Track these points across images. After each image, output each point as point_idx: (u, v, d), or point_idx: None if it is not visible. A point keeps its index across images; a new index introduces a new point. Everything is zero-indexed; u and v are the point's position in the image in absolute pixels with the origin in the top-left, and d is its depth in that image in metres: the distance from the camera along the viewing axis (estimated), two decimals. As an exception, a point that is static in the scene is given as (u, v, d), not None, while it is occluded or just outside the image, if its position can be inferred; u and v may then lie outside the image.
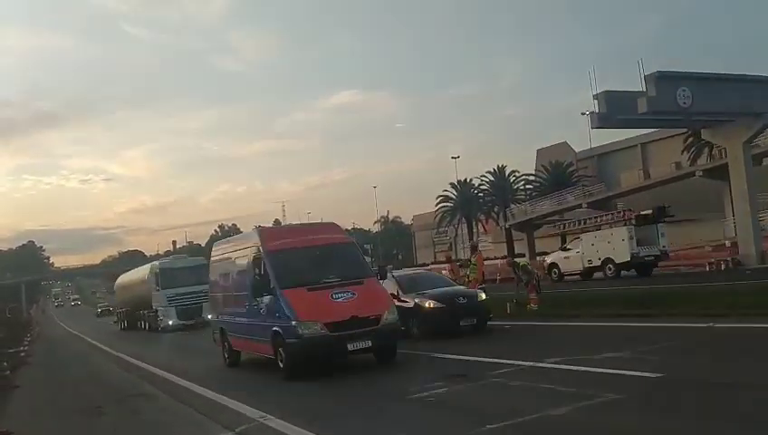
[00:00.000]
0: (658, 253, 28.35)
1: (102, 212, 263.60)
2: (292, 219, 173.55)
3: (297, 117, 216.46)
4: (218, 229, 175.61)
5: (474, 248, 17.56)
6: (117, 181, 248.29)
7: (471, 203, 69.19)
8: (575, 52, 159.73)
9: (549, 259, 33.09)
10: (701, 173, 40.32)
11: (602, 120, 25.41)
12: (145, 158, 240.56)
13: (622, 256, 27.78)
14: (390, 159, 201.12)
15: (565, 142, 72.92)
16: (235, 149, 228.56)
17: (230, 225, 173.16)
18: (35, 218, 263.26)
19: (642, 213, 29.44)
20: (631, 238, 27.57)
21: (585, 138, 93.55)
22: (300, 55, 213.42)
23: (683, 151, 49.59)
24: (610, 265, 28.24)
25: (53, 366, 19.34)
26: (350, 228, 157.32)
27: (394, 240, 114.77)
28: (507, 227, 55.61)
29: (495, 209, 66.33)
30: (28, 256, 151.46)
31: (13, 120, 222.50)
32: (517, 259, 19.59)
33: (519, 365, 8.34)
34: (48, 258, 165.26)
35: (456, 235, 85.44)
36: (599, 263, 28.83)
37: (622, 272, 28.16)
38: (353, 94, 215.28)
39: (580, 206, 47.60)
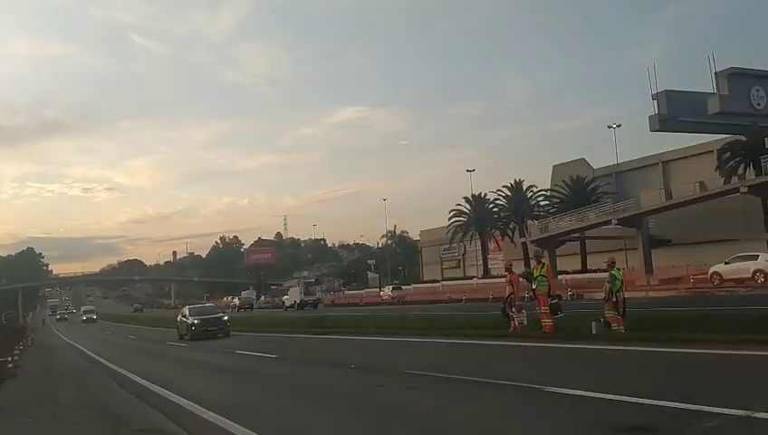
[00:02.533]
0: (316, 299, 60.80)
1: (104, 221, 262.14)
2: (293, 233, 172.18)
3: (302, 132, 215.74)
4: (219, 241, 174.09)
5: (538, 258, 15.01)
6: (120, 191, 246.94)
7: (485, 218, 66.86)
8: (581, 71, 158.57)
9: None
10: (745, 189, 37.77)
11: (663, 123, 23.14)
12: (149, 168, 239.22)
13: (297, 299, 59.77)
14: (394, 175, 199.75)
15: (583, 159, 70.92)
16: (239, 162, 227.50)
17: (231, 236, 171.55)
18: (37, 226, 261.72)
19: (307, 280, 70.23)
20: (301, 292, 59.15)
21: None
22: (306, 71, 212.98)
23: (716, 168, 47.13)
24: (295, 304, 58.81)
25: (44, 381, 16.76)
26: (351, 243, 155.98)
27: (400, 256, 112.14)
28: (530, 242, 53.03)
29: (511, 226, 63.96)
30: (27, 263, 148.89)
31: (18, 127, 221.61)
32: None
33: (721, 413, 5.57)
34: (47, 266, 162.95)
35: (465, 251, 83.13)
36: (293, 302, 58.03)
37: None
38: (358, 111, 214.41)
39: (609, 222, 45.21)
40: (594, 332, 12.72)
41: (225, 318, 29.76)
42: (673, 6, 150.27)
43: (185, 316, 29.93)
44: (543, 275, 14.25)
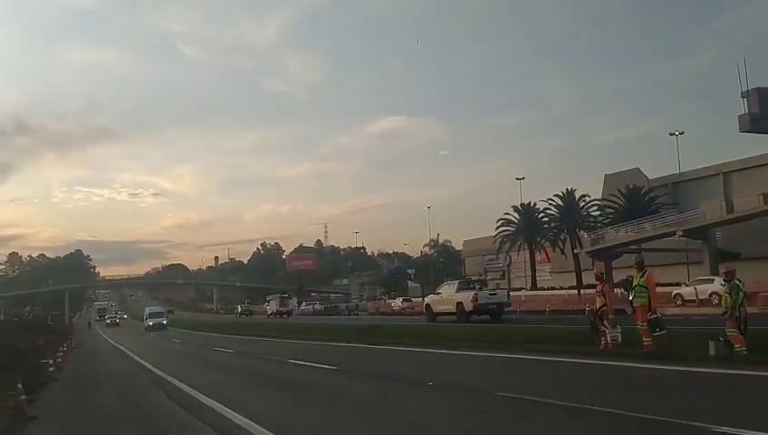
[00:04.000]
0: (290, 310, 72.89)
1: (149, 226, 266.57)
2: (333, 241, 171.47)
3: (342, 141, 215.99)
4: (260, 247, 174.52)
5: (640, 265, 13.17)
6: (165, 196, 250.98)
7: (535, 228, 64.62)
8: (620, 83, 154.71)
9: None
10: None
11: (756, 123, 21.00)
12: (193, 174, 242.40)
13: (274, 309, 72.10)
14: (434, 185, 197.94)
15: (637, 168, 68.07)
16: (280, 169, 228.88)
17: (272, 243, 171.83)
18: (85, 229, 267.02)
19: (282, 295, 77.88)
20: (277, 304, 69.33)
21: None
22: (347, 80, 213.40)
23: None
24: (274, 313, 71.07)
25: (86, 387, 15.69)
26: (390, 252, 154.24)
27: (441, 265, 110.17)
28: (585, 253, 50.82)
29: (562, 236, 61.55)
30: (75, 265, 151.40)
31: (69, 133, 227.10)
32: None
33: None
34: (94, 268, 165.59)
35: (511, 262, 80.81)
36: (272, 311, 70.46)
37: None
38: (398, 120, 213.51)
39: (672, 234, 42.77)
40: (713, 352, 10.92)
41: None
42: (728, 13, 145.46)
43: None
44: (642, 286, 12.47)
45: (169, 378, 15.07)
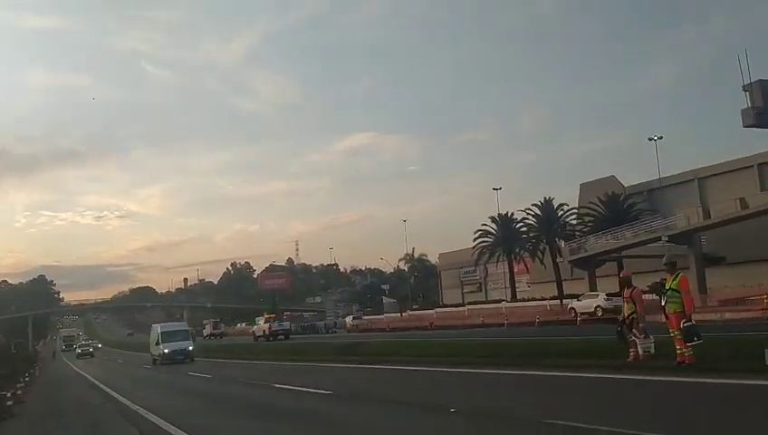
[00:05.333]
0: (221, 332, 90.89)
1: (115, 249, 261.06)
2: (304, 259, 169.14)
3: (312, 158, 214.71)
4: (231, 267, 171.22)
5: (672, 266, 11.82)
6: (131, 218, 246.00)
7: (513, 238, 63.66)
8: (585, 101, 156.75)
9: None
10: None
11: (759, 117, 20.08)
12: (160, 196, 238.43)
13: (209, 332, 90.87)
14: (405, 201, 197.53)
15: (613, 176, 67.83)
16: (249, 188, 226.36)
17: (242, 263, 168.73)
18: (49, 254, 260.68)
19: (214, 320, 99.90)
20: (211, 327, 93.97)
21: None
22: (316, 98, 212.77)
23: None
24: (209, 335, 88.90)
25: (47, 422, 13.90)
26: (363, 268, 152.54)
27: (416, 280, 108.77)
28: (568, 261, 49.95)
29: (541, 247, 60.61)
30: (39, 291, 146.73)
31: (32, 156, 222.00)
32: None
33: None
34: (58, 293, 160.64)
35: (488, 274, 79.74)
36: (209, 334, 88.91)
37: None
38: (367, 137, 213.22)
39: (656, 239, 42.05)
40: (769, 362, 9.67)
41: None
42: (687, 27, 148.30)
43: None
44: (675, 290, 11.16)
45: (143, 411, 13.30)
